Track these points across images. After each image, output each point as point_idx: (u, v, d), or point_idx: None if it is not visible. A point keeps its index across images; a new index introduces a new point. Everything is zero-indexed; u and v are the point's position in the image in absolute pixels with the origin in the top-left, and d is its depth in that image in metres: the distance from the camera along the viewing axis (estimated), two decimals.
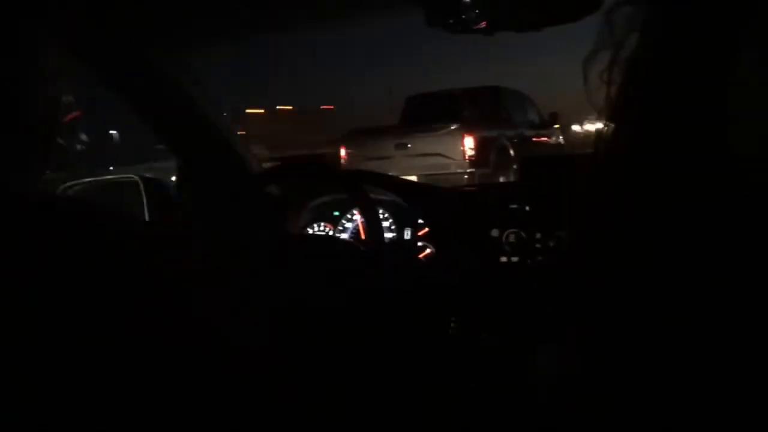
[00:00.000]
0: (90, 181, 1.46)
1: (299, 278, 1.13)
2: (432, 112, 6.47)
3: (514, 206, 1.27)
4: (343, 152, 6.58)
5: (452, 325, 1.25)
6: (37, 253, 0.40)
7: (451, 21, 1.07)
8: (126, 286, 0.42)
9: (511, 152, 6.48)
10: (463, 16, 1.04)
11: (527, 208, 1.26)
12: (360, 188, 1.14)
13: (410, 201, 1.35)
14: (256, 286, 1.06)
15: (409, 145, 6.15)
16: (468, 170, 6.06)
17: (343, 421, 0.85)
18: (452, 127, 6.08)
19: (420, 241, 1.40)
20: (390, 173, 5.28)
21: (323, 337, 1.03)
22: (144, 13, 1.08)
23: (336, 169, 1.27)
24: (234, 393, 0.44)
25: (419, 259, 1.40)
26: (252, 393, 0.46)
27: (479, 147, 6.10)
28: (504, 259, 1.26)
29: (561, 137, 8.20)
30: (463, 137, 6.00)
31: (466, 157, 6.05)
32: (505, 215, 1.27)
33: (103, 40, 1.09)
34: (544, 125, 7.50)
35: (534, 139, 7.18)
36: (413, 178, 5.44)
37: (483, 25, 1.07)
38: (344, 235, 1.47)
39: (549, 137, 7.62)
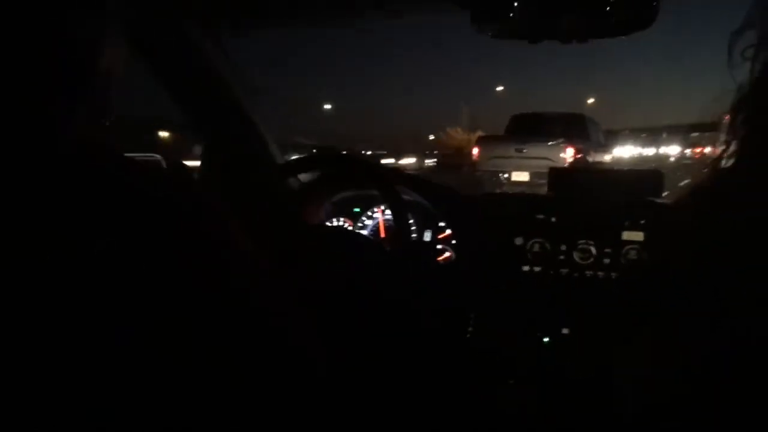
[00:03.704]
0: None
1: (322, 271, 1.11)
2: (536, 128, 9.01)
3: (541, 216, 1.26)
4: (475, 150, 9.08)
5: (470, 329, 1.25)
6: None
7: (497, 27, 1.07)
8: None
9: (590, 159, 9.02)
10: (509, 22, 1.04)
11: (553, 219, 1.26)
12: (393, 186, 1.12)
13: (435, 203, 1.34)
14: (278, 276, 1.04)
15: (524, 150, 8.34)
16: None
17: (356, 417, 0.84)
18: (559, 141, 8.37)
19: (440, 244, 1.39)
20: (509, 168, 7.43)
21: (340, 333, 1.01)
22: None
23: (367, 164, 1.24)
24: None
25: (437, 261, 1.39)
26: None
27: (576, 155, 8.49)
28: (526, 268, 1.25)
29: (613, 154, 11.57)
30: (566, 147, 8.32)
31: (567, 162, 8.14)
32: (530, 225, 1.26)
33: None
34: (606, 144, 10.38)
35: (600, 153, 9.81)
36: (525, 173, 8.13)
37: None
38: (363, 232, 1.46)
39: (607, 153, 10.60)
